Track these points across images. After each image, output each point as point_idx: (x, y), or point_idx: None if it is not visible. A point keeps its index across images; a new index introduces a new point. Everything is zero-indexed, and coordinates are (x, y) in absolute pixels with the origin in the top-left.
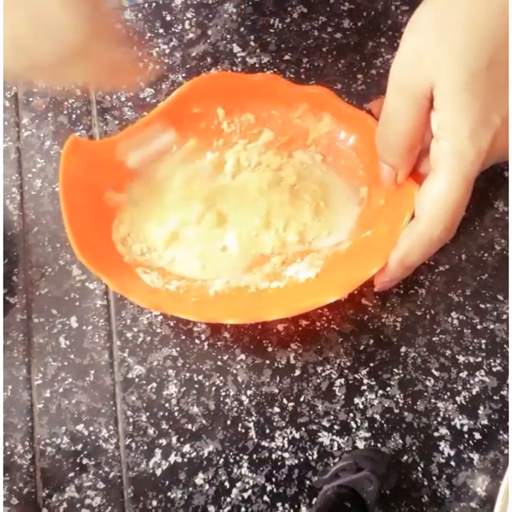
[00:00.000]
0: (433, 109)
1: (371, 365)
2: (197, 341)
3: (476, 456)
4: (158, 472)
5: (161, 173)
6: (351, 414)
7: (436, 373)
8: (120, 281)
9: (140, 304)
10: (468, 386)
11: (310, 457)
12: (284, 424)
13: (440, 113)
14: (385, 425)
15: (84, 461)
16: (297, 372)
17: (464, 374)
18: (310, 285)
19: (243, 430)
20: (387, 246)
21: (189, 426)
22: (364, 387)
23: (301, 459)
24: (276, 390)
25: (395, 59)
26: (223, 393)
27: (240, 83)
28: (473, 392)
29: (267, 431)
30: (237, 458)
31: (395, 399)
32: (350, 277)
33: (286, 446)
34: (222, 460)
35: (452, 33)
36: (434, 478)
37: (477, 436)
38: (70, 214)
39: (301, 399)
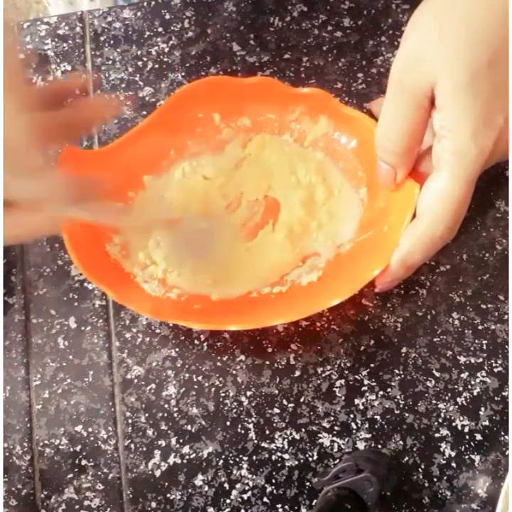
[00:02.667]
0: (435, 108)
1: (372, 365)
2: (196, 342)
3: (477, 458)
4: (158, 473)
5: (163, 183)
6: (351, 415)
7: (437, 374)
8: (121, 291)
9: (142, 313)
10: (469, 387)
11: (310, 458)
12: (284, 425)
13: (442, 112)
14: (385, 426)
15: (83, 462)
16: (297, 373)
17: (465, 375)
18: (313, 289)
19: (243, 431)
20: (388, 246)
21: (188, 427)
22: (364, 388)
23: (301, 460)
24: (276, 391)
25: (395, 58)
26: (223, 394)
27: (236, 87)
28: (475, 393)
29: (267, 432)
30: (237, 459)
31: (396, 400)
32: (353, 279)
33: (286, 447)
34: (221, 461)
35: (453, 32)
36: (434, 479)
37: (478, 437)
38: (68, 225)
39: (301, 400)
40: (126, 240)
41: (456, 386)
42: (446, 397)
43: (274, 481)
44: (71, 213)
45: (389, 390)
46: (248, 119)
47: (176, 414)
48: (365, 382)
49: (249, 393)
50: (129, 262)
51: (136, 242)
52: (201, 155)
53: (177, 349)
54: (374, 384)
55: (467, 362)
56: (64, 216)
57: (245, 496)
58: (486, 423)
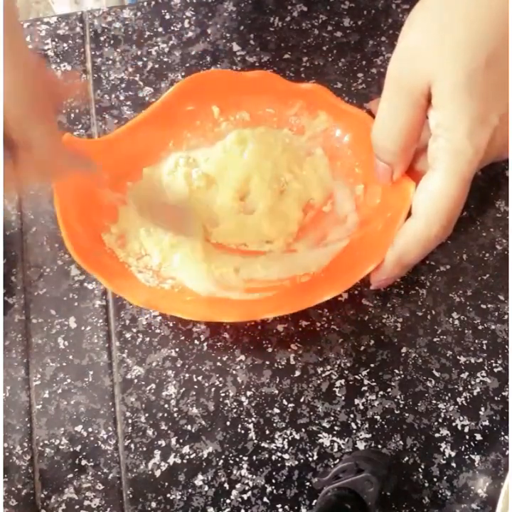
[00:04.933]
0: (431, 106)
1: (372, 365)
2: (196, 342)
3: (477, 458)
4: (158, 473)
5: (160, 174)
6: (352, 415)
7: (437, 374)
8: (115, 280)
9: (135, 303)
10: (469, 387)
11: (310, 458)
12: (284, 425)
13: (438, 111)
14: (385, 426)
15: (83, 462)
16: (297, 373)
17: (464, 375)
18: (306, 284)
19: (243, 431)
20: (383, 244)
21: (188, 427)
22: (364, 388)
23: (301, 460)
24: (276, 391)
25: (392, 56)
26: (223, 394)
27: (235, 81)
28: (475, 393)
29: (267, 432)
30: (237, 459)
31: (396, 400)
32: (347, 275)
33: (286, 447)
34: (221, 461)
35: (451, 31)
36: (434, 479)
37: (478, 437)
38: (64, 213)
39: (301, 400)
40: (123, 230)
41: (456, 386)
42: (446, 397)
43: (274, 481)
44: (69, 163)
45: (389, 390)
46: (247, 113)
47: (175, 414)
48: (365, 382)
49: (249, 393)
50: (124, 251)
51: (132, 231)
52: (198, 148)
53: (177, 349)
54: (374, 384)
55: (467, 362)
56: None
57: (245, 496)
58: (486, 423)
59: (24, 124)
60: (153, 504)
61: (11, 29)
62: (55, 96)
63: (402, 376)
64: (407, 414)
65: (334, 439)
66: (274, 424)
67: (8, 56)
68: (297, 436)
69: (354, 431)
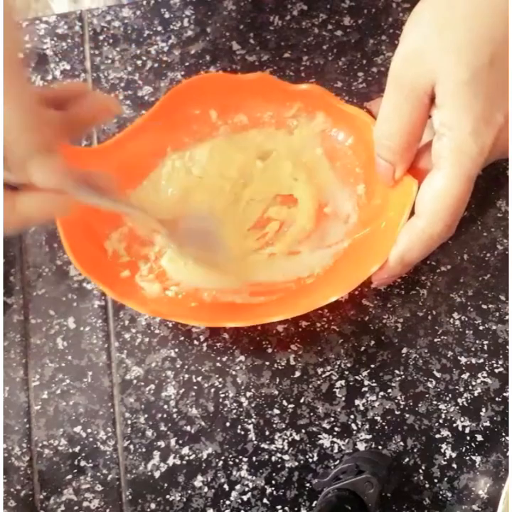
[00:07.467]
0: (435, 105)
1: (372, 366)
2: (196, 342)
3: (478, 459)
4: (157, 474)
5: (161, 180)
6: (352, 416)
7: (438, 375)
8: (119, 288)
9: (140, 311)
10: (470, 388)
11: (310, 459)
12: (283, 426)
13: (442, 110)
14: (386, 427)
15: (82, 463)
16: (297, 374)
17: (465, 375)
18: (310, 286)
19: (242, 432)
20: (386, 243)
21: (188, 428)
22: (365, 389)
23: (302, 462)
24: (276, 392)
25: (395, 55)
26: (222, 395)
27: (232, 84)
28: (475, 394)
29: (267, 433)
30: (237, 460)
31: (396, 400)
32: (350, 276)
33: (286, 448)
34: (221, 462)
35: (453, 29)
36: (435, 480)
37: (479, 438)
38: (65, 222)
39: (301, 400)
40: (126, 236)
41: (456, 387)
42: (447, 398)
43: (274, 482)
44: (82, 197)
45: (389, 390)
46: (245, 116)
47: (175, 415)
48: (366, 382)
49: (248, 394)
50: (128, 258)
51: (136, 237)
52: (194, 150)
53: (176, 349)
54: (374, 385)
55: (468, 362)
56: (76, 199)
57: (245, 497)
58: (487, 424)
59: (26, 166)
60: (153, 505)
61: (9, 64)
62: (70, 124)
63: (403, 377)
64: (407, 415)
65: (334, 440)
66: (274, 425)
67: (7, 94)
68: (297, 437)
69: (354, 432)
